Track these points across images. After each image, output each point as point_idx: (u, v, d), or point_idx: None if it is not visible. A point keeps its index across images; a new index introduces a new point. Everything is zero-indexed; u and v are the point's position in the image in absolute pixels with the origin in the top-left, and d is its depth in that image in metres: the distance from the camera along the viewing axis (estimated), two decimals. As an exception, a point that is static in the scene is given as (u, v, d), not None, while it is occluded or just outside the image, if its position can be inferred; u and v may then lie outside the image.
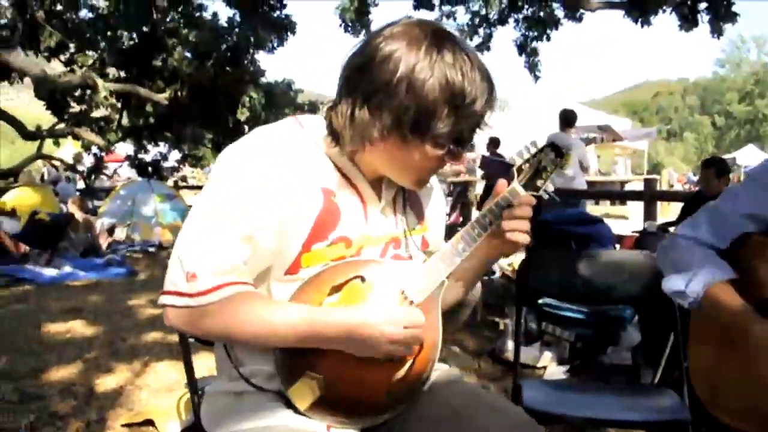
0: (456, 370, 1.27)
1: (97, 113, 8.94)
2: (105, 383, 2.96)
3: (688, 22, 6.82)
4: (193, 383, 1.52)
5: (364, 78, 1.01)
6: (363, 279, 1.09)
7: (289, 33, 8.49)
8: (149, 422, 2.43)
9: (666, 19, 7.29)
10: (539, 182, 1.21)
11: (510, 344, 3.48)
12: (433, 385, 1.18)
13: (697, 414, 1.54)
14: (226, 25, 9.15)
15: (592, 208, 12.71)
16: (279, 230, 1.04)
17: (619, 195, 11.27)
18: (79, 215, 7.92)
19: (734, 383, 1.35)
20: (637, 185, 9.88)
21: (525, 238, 1.16)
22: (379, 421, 1.12)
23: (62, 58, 8.25)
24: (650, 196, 5.69)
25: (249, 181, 1.03)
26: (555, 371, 3.23)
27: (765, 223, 1.37)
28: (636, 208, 8.85)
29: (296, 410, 1.08)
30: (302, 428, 1.07)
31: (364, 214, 1.14)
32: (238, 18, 8.98)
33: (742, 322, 1.30)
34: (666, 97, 69.25)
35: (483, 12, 8.75)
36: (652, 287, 1.74)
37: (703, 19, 6.86)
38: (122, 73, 8.89)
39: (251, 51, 9.11)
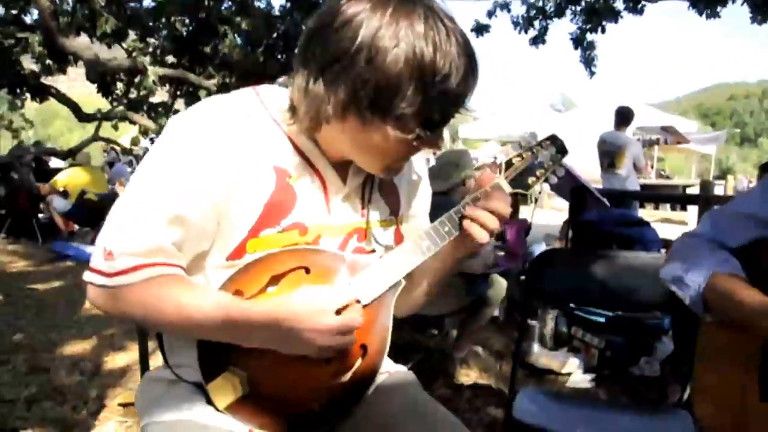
0: (408, 373, 1.13)
1: (154, 99, 9.16)
2: (113, 361, 2.96)
3: (761, 13, 6.29)
4: (145, 367, 1.44)
5: (321, 45, 0.86)
6: (308, 270, 0.95)
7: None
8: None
9: (737, 11, 6.79)
10: (530, 180, 1.04)
11: (536, 347, 3.29)
12: (374, 391, 1.04)
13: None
14: (278, 13, 9.16)
15: (650, 213, 12.12)
16: (219, 211, 0.91)
17: (670, 198, 10.68)
18: (126, 196, 8.12)
19: (748, 410, 1.15)
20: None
21: (482, 235, 0.97)
22: (308, 430, 0.99)
23: (124, 45, 8.47)
24: (706, 200, 5.29)
25: (187, 155, 0.90)
26: (579, 379, 3.02)
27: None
28: (696, 213, 8.35)
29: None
30: (218, 427, 0.95)
31: (325, 200, 1.00)
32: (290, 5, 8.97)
33: (757, 313, 1.08)
34: (741, 101, 65.77)
35: (540, 3, 8.37)
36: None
37: (779, 10, 6.33)
38: (176, 60, 9.05)
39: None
